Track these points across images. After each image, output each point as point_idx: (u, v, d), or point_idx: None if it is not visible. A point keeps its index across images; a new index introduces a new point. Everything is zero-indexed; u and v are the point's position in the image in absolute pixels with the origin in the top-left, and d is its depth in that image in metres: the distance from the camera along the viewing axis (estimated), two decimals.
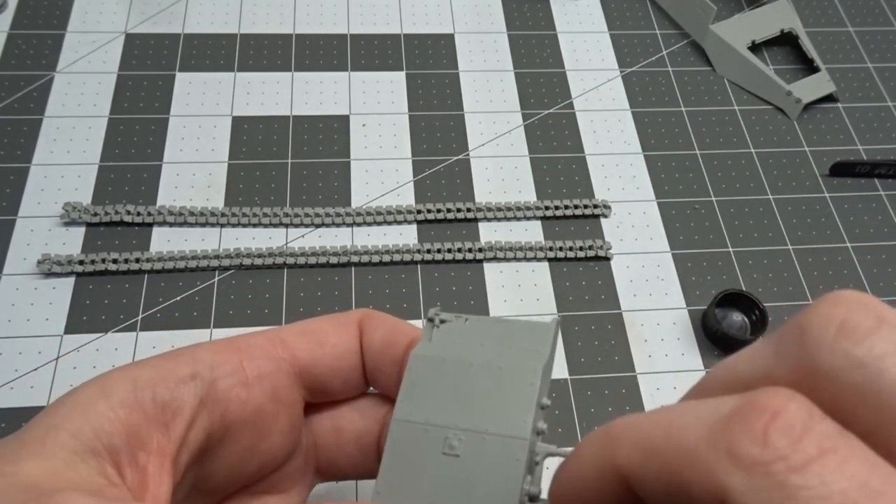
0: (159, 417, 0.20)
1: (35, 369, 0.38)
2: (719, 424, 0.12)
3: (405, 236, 0.43)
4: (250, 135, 0.46)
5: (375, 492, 0.20)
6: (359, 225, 0.44)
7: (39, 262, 0.40)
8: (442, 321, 0.23)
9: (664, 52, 0.53)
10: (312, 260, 0.42)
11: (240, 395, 0.21)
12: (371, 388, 0.25)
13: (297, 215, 0.43)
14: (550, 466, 0.17)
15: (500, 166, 0.47)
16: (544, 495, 0.19)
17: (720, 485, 0.12)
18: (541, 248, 0.43)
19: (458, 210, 0.44)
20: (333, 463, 0.25)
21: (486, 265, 0.43)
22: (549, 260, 0.43)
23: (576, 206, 0.45)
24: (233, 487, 0.23)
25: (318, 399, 0.24)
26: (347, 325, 0.24)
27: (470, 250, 0.43)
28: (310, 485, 0.25)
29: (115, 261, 0.40)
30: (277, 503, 0.22)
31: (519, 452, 0.19)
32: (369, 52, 0.51)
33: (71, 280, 0.40)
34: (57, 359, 0.38)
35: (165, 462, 0.20)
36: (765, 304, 0.41)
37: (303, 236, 0.43)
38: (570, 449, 0.18)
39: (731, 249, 0.45)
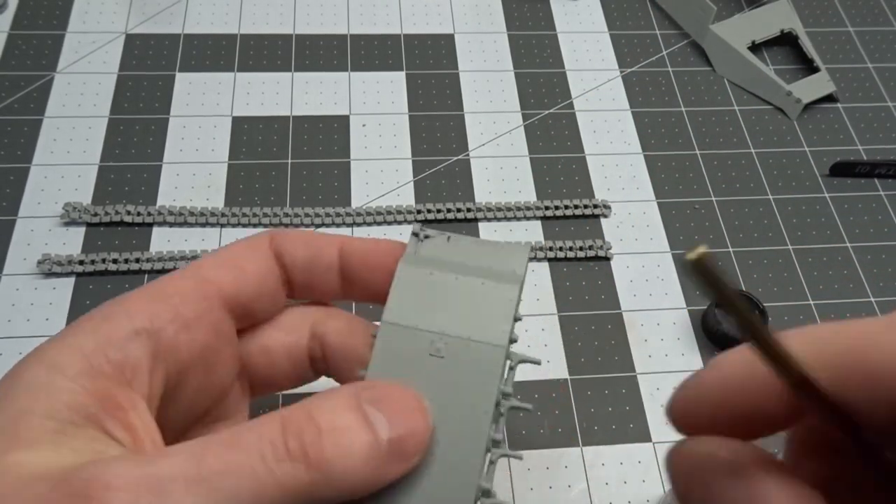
0: (121, 378, 0.20)
1: None
2: None
3: (405, 236, 0.43)
4: (250, 135, 0.46)
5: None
6: (359, 225, 0.44)
7: (39, 263, 0.40)
8: (426, 236, 0.25)
9: (664, 52, 0.53)
10: None
11: (185, 339, 0.22)
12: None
13: (297, 215, 0.43)
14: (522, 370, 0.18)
15: (500, 166, 0.47)
16: (511, 392, 0.22)
17: None
18: (541, 248, 0.43)
19: (458, 210, 0.44)
20: (267, 380, 0.26)
21: None
22: (549, 260, 0.43)
23: (576, 206, 0.45)
24: (187, 425, 0.24)
25: (245, 323, 0.25)
26: (260, 247, 0.24)
27: None
28: (248, 404, 0.26)
29: (115, 261, 0.40)
30: (226, 428, 0.21)
31: (497, 357, 0.22)
32: (369, 52, 0.51)
33: (71, 280, 0.40)
34: None
35: (144, 413, 0.20)
36: (765, 304, 0.41)
37: None
38: (538, 358, 0.24)
39: (731, 249, 0.45)
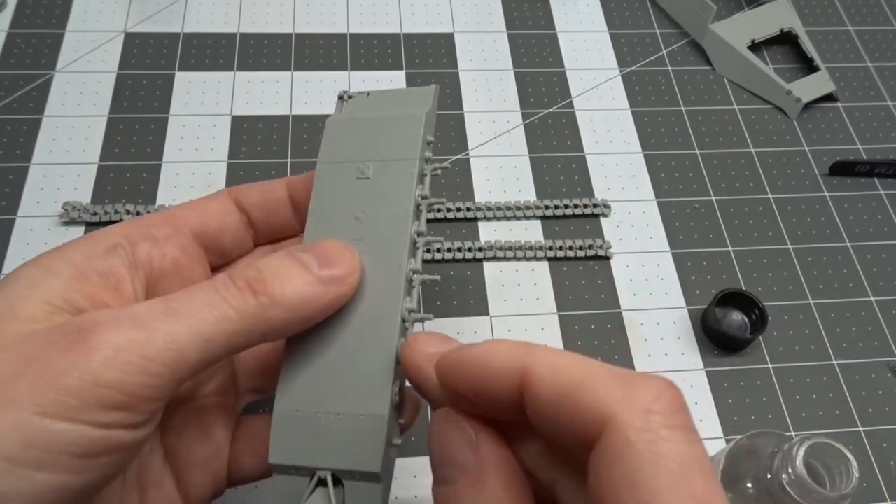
0: (107, 284, 0.23)
1: None
2: (626, 375, 0.17)
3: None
4: (250, 134, 0.46)
5: (308, 220, 0.26)
6: None
7: None
8: (350, 97, 0.29)
9: (664, 52, 0.53)
10: None
11: (157, 253, 0.25)
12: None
13: None
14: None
15: (500, 165, 0.47)
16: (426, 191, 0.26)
17: (611, 409, 0.16)
18: (541, 248, 0.43)
19: (458, 209, 0.44)
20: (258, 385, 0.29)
21: (485, 264, 0.43)
22: (549, 259, 0.43)
23: (576, 206, 0.45)
24: None
25: (217, 258, 0.28)
26: (220, 196, 0.28)
27: (470, 249, 0.43)
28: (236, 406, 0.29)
29: None
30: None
31: (411, 166, 0.26)
32: (369, 51, 0.51)
33: None
34: None
35: None
36: (764, 304, 0.41)
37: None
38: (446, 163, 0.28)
39: (731, 249, 0.45)
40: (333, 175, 0.27)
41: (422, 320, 0.24)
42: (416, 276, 0.24)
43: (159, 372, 0.20)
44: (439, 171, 0.27)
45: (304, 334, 0.25)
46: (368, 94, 0.29)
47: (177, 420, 0.26)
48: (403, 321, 0.24)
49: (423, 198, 0.25)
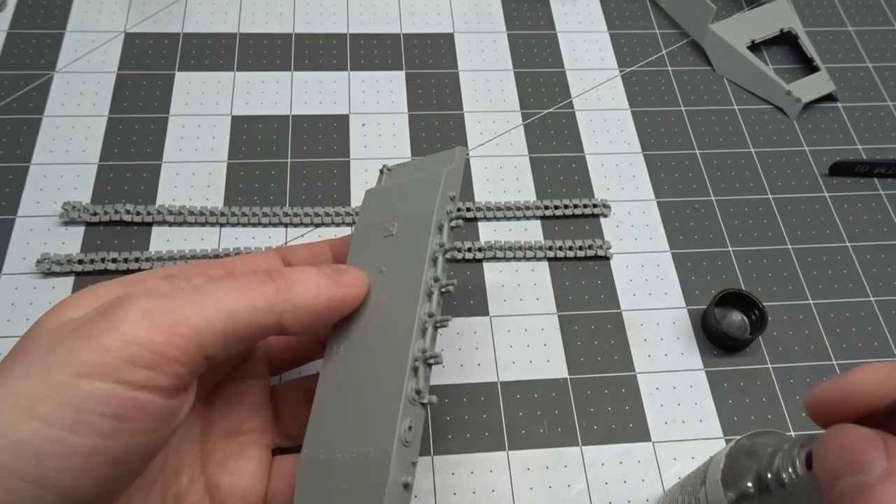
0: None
1: None
2: None
3: None
4: (250, 134, 0.46)
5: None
6: None
7: (38, 262, 0.40)
8: (389, 169, 0.33)
9: (664, 52, 0.53)
10: None
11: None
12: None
13: (296, 215, 0.43)
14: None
15: (500, 166, 0.47)
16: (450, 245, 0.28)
17: None
18: (540, 248, 0.43)
19: (458, 209, 0.44)
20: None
21: (485, 265, 0.43)
22: (549, 259, 0.43)
23: (575, 206, 0.45)
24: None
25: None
26: (268, 251, 0.31)
27: (469, 250, 0.43)
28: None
29: (114, 260, 0.40)
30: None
31: (427, 219, 0.28)
32: (369, 51, 0.51)
33: (70, 279, 0.40)
34: None
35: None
36: (764, 304, 0.41)
37: (302, 236, 0.43)
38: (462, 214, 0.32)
39: (730, 249, 0.45)
40: (365, 236, 0.30)
41: (434, 361, 0.26)
42: (430, 319, 0.26)
43: (185, 334, 0.22)
44: (461, 223, 0.28)
45: (326, 377, 0.27)
46: (405, 165, 0.32)
47: (217, 453, 0.28)
48: (415, 360, 0.25)
49: (441, 246, 0.28)
